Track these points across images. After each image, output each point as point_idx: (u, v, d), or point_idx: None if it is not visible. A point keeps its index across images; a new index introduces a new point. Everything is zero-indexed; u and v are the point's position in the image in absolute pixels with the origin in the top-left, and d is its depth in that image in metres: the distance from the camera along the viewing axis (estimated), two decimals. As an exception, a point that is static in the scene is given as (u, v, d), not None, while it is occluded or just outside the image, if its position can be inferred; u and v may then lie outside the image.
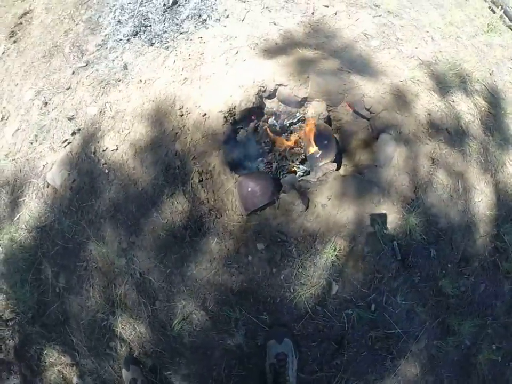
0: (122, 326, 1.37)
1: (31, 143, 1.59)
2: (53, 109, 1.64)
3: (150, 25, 1.76)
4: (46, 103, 1.66)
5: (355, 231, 1.35)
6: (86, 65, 1.71)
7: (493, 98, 1.69)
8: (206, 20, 1.74)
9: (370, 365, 1.33)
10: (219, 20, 1.74)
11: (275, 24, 1.73)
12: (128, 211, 1.41)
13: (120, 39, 1.74)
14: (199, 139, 1.38)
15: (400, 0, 1.88)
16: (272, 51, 1.63)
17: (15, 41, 1.90)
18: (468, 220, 1.49)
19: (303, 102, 1.53)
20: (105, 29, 1.80)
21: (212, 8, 1.77)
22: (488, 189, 1.56)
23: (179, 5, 1.79)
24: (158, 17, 1.77)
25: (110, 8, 1.86)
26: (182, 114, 1.47)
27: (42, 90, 1.69)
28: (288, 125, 1.56)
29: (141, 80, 1.60)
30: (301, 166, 1.50)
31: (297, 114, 1.55)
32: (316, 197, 1.32)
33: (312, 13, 1.79)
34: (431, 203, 1.45)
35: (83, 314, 1.40)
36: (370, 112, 1.55)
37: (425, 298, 1.39)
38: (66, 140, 1.54)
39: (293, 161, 1.49)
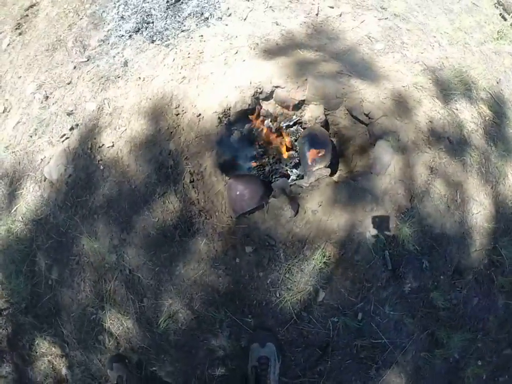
0: (111, 321, 1.40)
1: (31, 137, 1.62)
2: (53, 103, 1.66)
3: (152, 22, 1.76)
4: (47, 97, 1.68)
5: (346, 239, 1.33)
6: (88, 60, 1.72)
7: (499, 108, 1.64)
8: (208, 18, 1.72)
9: (355, 373, 1.33)
10: (221, 18, 1.72)
11: (277, 24, 1.71)
12: (121, 208, 1.42)
13: (122, 35, 1.75)
14: (192, 139, 1.38)
15: (408, 3, 1.83)
16: (273, 52, 1.61)
17: (20, 34, 1.93)
18: (464, 232, 1.46)
19: (300, 105, 1.51)
20: (108, 24, 1.81)
21: (215, 6, 1.76)
22: (487, 200, 1.52)
23: (182, 2, 1.78)
24: (161, 14, 1.77)
25: (114, 4, 1.87)
26: (178, 114, 1.47)
27: (44, 84, 1.72)
28: (284, 127, 1.54)
29: (139, 78, 1.60)
30: (294, 170, 1.49)
31: (294, 117, 1.53)
32: (307, 203, 1.31)
33: (317, 14, 1.76)
34: (427, 213, 1.42)
35: (74, 307, 1.43)
36: (369, 118, 1.52)
37: (414, 309, 1.37)
38: (64, 135, 1.57)
39: (286, 165, 1.47)
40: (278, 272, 1.30)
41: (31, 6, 2.02)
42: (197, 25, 1.71)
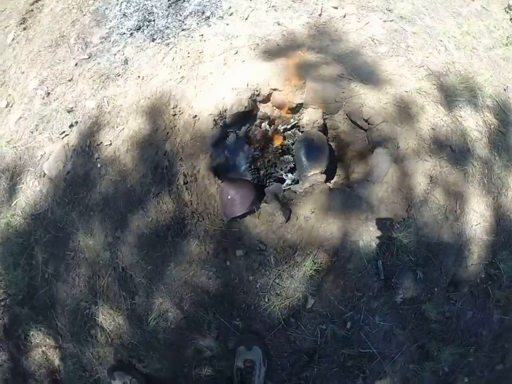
0: (103, 316, 1.42)
1: (32, 132, 1.64)
2: (54, 100, 1.68)
3: (154, 20, 1.75)
4: (49, 93, 1.70)
5: (338, 247, 1.32)
6: (89, 57, 1.73)
7: (505, 116, 1.58)
8: (209, 17, 1.71)
9: (341, 381, 1.32)
10: (222, 17, 1.70)
11: (279, 24, 1.68)
12: (116, 206, 1.44)
13: (124, 33, 1.75)
14: (187, 141, 1.38)
15: (415, 5, 1.77)
16: (273, 53, 1.59)
17: (25, 29, 1.95)
18: (462, 244, 1.42)
19: (298, 108, 1.49)
20: (111, 21, 1.81)
21: (217, 5, 1.74)
22: (488, 212, 1.47)
23: (184, 0, 1.77)
24: (162, 12, 1.76)
25: (117, 0, 1.87)
26: (175, 114, 1.47)
27: (46, 80, 1.73)
28: (281, 131, 1.52)
29: (139, 76, 1.61)
30: (289, 174, 1.48)
31: (292, 120, 1.51)
32: (299, 209, 1.29)
33: (320, 14, 1.72)
34: (424, 223, 1.39)
35: (68, 301, 1.46)
36: (369, 123, 1.49)
37: (405, 320, 1.35)
38: (64, 132, 1.58)
39: (281, 169, 1.46)
40: (267, 277, 1.29)
41: (37, 1, 2.03)
42: (197, 24, 1.69)
